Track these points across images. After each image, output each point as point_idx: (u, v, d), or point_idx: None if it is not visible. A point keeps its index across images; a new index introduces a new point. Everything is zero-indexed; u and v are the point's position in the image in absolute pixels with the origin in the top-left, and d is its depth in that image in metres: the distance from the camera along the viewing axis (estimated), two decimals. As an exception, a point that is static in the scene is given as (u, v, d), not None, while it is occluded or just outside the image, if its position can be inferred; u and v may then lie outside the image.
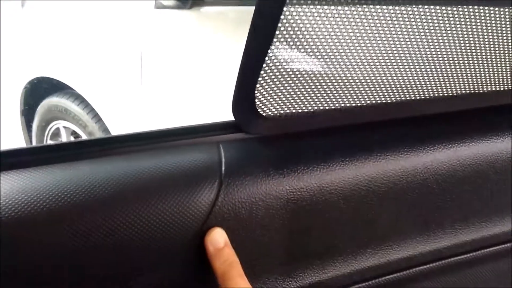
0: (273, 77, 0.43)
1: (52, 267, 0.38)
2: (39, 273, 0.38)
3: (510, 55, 0.51)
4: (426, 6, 0.43)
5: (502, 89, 0.54)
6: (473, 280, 0.60)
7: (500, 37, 0.49)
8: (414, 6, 0.43)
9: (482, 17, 0.46)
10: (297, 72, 0.45)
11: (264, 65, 0.41)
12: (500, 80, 0.53)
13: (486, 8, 0.45)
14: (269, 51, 0.40)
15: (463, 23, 0.45)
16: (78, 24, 1.54)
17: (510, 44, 0.50)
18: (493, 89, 0.54)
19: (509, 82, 0.54)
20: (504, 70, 0.52)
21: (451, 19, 0.45)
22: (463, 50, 0.49)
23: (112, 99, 1.46)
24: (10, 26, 1.71)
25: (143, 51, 1.34)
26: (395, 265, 0.53)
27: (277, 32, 0.38)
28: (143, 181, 0.41)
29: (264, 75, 0.42)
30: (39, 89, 1.74)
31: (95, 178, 0.41)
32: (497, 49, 0.50)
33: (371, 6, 0.42)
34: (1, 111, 1.81)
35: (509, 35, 0.49)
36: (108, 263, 0.40)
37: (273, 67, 0.42)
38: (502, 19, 0.47)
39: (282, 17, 0.37)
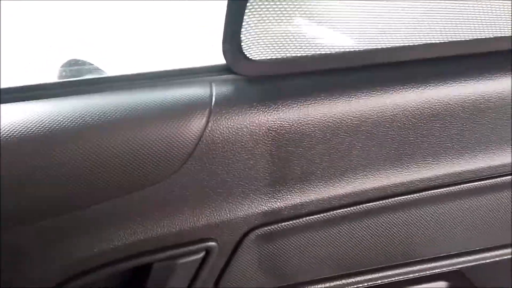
0: (256, 22, 0.52)
1: (42, 180, 0.49)
2: (46, 188, 0.50)
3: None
4: None
5: (475, 37, 0.61)
6: (445, 214, 0.67)
7: None
8: None
9: None
10: (280, 18, 0.54)
11: (246, 10, 0.50)
12: (474, 28, 0.60)
13: None
14: (250, 1, 0.49)
15: None
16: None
17: None
18: (468, 37, 0.61)
19: (485, 30, 0.61)
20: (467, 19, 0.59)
21: None
22: None
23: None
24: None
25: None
26: (370, 194, 0.61)
27: None
28: (142, 110, 0.52)
29: (248, 19, 0.52)
30: (73, 71, 1.90)
31: (99, 108, 0.52)
32: None
33: None
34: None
35: None
36: (109, 176, 0.51)
37: (256, 15, 0.51)
38: None
39: None
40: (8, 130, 0.49)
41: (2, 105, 0.53)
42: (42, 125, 0.50)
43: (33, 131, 0.49)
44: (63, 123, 0.50)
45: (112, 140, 0.50)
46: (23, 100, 0.53)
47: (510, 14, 0.61)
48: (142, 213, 0.55)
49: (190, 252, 0.58)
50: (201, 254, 0.58)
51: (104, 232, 0.54)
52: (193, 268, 0.60)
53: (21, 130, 0.49)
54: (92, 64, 1.79)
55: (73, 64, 1.92)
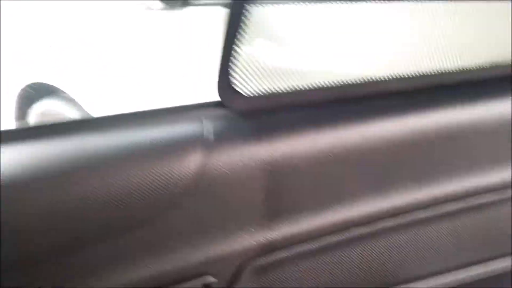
0: (247, 61, 0.55)
1: (49, 226, 0.49)
2: (39, 230, 0.49)
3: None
4: None
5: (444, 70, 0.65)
6: (429, 236, 0.71)
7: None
8: None
9: None
10: (268, 58, 0.57)
11: (238, 53, 0.53)
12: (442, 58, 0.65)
13: None
14: (241, 41, 0.52)
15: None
16: (69, 26, 1.64)
17: None
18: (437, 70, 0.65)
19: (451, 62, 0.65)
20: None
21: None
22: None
23: (105, 101, 1.56)
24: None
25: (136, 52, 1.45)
26: (357, 221, 0.64)
27: (248, 18, 0.50)
28: (136, 149, 0.52)
29: (241, 56, 0.54)
30: (32, 94, 1.84)
31: (90, 149, 0.52)
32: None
33: None
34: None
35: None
36: (104, 217, 0.51)
37: (246, 53, 0.54)
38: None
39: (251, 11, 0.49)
40: None
41: None
42: (30, 168, 0.49)
43: (23, 174, 0.49)
44: (55, 165, 0.50)
45: (107, 181, 0.50)
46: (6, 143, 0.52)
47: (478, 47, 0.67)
48: (137, 253, 0.55)
49: None
50: None
51: (96, 276, 0.53)
52: None
53: (13, 174, 0.48)
54: (52, 86, 1.74)
55: (33, 88, 1.86)
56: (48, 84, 1.73)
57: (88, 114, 1.64)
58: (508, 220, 0.77)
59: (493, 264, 0.79)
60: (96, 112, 1.60)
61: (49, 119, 1.80)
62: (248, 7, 0.49)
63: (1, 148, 0.50)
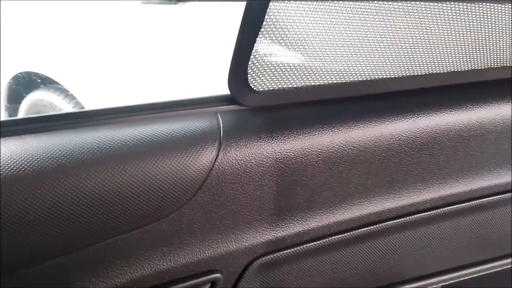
0: (262, 58, 0.55)
1: (50, 218, 0.48)
2: (37, 223, 0.48)
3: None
4: None
5: (459, 70, 0.66)
6: (434, 235, 0.73)
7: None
8: None
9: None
10: (282, 55, 0.57)
11: (253, 50, 0.53)
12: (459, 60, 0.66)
13: None
14: (257, 39, 0.52)
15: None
16: (65, 18, 1.62)
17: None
18: (452, 69, 0.66)
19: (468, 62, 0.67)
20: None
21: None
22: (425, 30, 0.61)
23: (99, 92, 1.55)
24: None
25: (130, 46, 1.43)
26: (366, 219, 0.65)
27: (266, 17, 0.50)
28: (151, 143, 0.52)
29: (256, 53, 0.54)
30: (23, 84, 1.81)
31: (105, 141, 0.51)
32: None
33: None
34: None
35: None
36: (120, 211, 0.51)
37: (261, 50, 0.54)
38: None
39: (268, 10, 0.49)
40: (8, 165, 0.47)
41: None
42: (46, 159, 0.48)
43: (40, 165, 0.48)
44: (71, 157, 0.49)
45: (121, 174, 0.50)
46: (25, 134, 0.51)
47: (486, 49, 0.68)
48: (150, 247, 0.55)
49: (196, 285, 0.58)
50: (207, 287, 0.59)
51: (110, 270, 0.53)
52: None
53: (26, 165, 0.47)
54: (45, 76, 1.72)
55: (24, 77, 1.83)
56: (40, 74, 1.71)
57: (82, 106, 1.62)
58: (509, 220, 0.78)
59: (494, 264, 0.80)
60: (91, 104, 1.59)
61: (42, 111, 1.78)
62: (266, 3, 0.49)
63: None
